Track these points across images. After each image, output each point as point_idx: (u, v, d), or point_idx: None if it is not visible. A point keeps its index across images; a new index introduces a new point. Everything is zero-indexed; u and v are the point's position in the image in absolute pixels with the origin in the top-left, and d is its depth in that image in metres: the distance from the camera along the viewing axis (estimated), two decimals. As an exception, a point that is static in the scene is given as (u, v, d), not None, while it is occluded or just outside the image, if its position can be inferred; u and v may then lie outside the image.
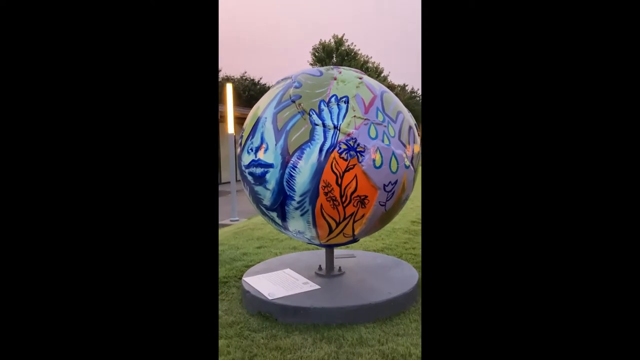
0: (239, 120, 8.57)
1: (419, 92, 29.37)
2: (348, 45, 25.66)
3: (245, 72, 29.15)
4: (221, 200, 10.15)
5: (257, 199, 2.19)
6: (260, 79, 25.40)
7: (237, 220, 6.73)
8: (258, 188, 2.13)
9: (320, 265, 2.55)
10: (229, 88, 7.37)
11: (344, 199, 2.00)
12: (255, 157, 2.10)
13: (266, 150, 2.05)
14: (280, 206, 2.10)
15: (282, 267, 2.65)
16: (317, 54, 25.46)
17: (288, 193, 2.03)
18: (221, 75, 24.55)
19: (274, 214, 2.17)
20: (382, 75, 26.43)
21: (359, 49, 26.26)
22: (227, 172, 13.64)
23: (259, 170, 2.09)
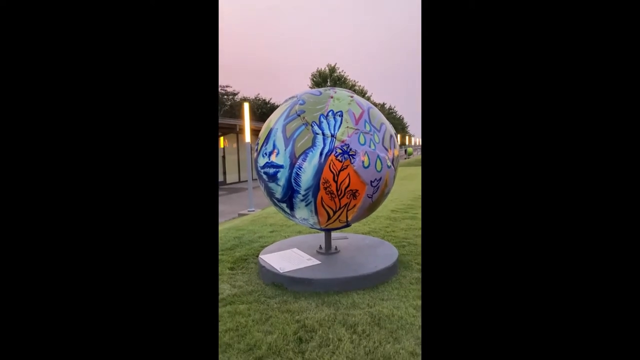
0: (254, 132, 8.58)
1: (395, 108, 29.35)
2: (339, 72, 25.60)
3: (259, 94, 29.08)
4: (240, 195, 10.13)
5: (270, 193, 2.17)
6: (270, 99, 25.31)
7: (253, 210, 6.72)
8: (271, 184, 2.11)
9: (320, 245, 2.53)
10: (246, 106, 7.34)
11: (339, 192, 1.99)
12: (269, 159, 2.08)
13: (277, 154, 2.03)
14: (289, 199, 2.08)
15: (290, 247, 2.63)
16: (314, 79, 25.39)
17: (295, 188, 2.01)
18: (240, 96, 24.48)
19: (283, 205, 2.16)
20: (366, 95, 26.36)
21: (348, 75, 26.21)
22: (244, 172, 13.61)
23: (271, 170, 2.07)
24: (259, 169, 2.17)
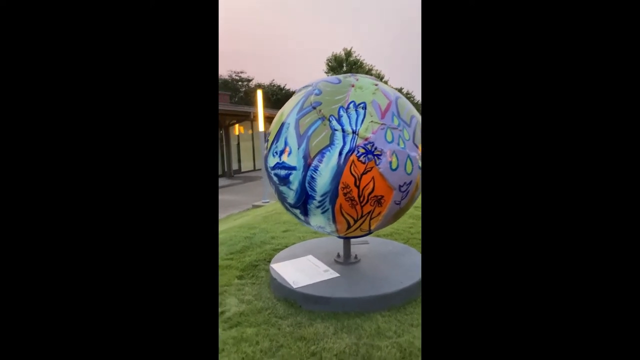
0: (268, 120, 8.32)
1: (414, 93, 28.46)
2: (355, 56, 24.79)
3: (274, 80, 28.68)
4: (255, 184, 9.96)
5: (282, 197, 1.90)
6: (285, 85, 24.86)
7: (268, 201, 6.50)
8: (283, 188, 1.83)
9: (338, 253, 2.26)
10: (259, 94, 7.06)
11: (361, 199, 1.69)
12: (280, 160, 1.79)
13: (289, 153, 1.74)
14: (302, 204, 1.80)
15: (305, 253, 2.36)
16: (330, 64, 24.67)
17: (310, 193, 1.73)
18: (254, 82, 24.14)
19: (297, 211, 1.88)
20: (384, 80, 25.53)
21: (364, 59, 25.36)
22: (259, 160, 13.43)
23: (283, 172, 1.78)
24: (269, 169, 1.89)
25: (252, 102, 13.61)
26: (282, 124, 1.82)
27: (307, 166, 1.68)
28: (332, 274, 2.01)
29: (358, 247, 2.39)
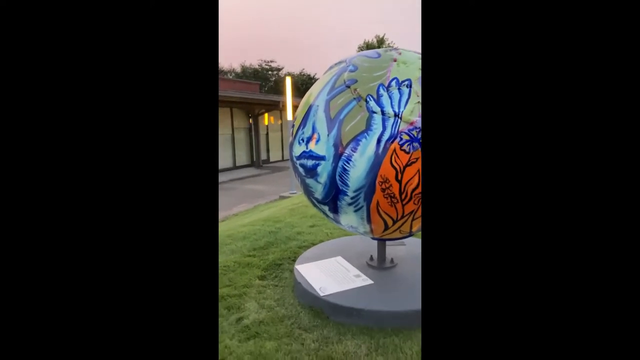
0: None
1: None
2: (388, 44, 23.98)
3: (304, 69, 28.42)
4: (284, 175, 9.84)
5: (308, 191, 1.65)
6: (315, 74, 24.52)
7: (295, 192, 6.32)
8: (309, 181, 1.58)
9: (371, 256, 1.99)
10: (288, 81, 6.84)
11: (403, 196, 1.41)
12: (307, 148, 1.54)
13: (318, 141, 1.49)
14: (332, 200, 1.55)
15: (333, 253, 2.12)
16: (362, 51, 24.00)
17: (341, 188, 1.47)
18: (284, 72, 23.99)
19: (325, 207, 1.63)
20: (417, 68, 24.46)
21: (398, 46, 24.45)
22: (287, 151, 13.31)
23: (310, 163, 1.53)
24: (294, 159, 1.65)
25: (281, 91, 13.50)
26: (310, 107, 1.56)
27: (338, 156, 1.42)
28: (365, 280, 1.76)
29: (394, 248, 2.11)
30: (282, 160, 13.38)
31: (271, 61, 25.50)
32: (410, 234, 1.67)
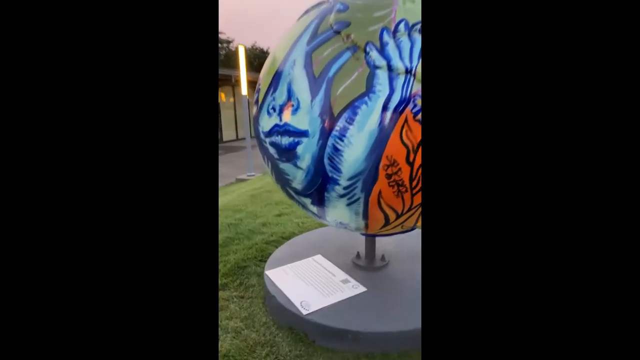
0: (252, 84, 7.45)
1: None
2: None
3: (256, 42, 26.97)
4: (239, 155, 9.18)
5: (282, 180, 1.24)
6: (269, 48, 23.33)
7: (253, 175, 5.83)
8: (284, 165, 1.17)
9: (358, 252, 1.65)
10: (241, 51, 6.16)
11: (414, 183, 1.06)
12: (280, 120, 1.12)
13: (296, 110, 1.07)
14: (317, 191, 1.15)
15: (310, 251, 1.75)
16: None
17: (330, 175, 1.08)
18: (235, 44, 22.51)
19: (306, 200, 1.24)
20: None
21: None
22: (242, 129, 12.54)
23: (285, 141, 1.12)
24: (262, 136, 1.22)
25: (233, 66, 12.54)
26: (282, 64, 1.13)
27: (326, 130, 1.02)
28: (355, 286, 1.41)
29: (380, 240, 1.79)
30: (237, 139, 12.61)
31: (220, 33, 23.78)
32: (412, 229, 1.34)
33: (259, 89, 1.25)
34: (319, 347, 1.21)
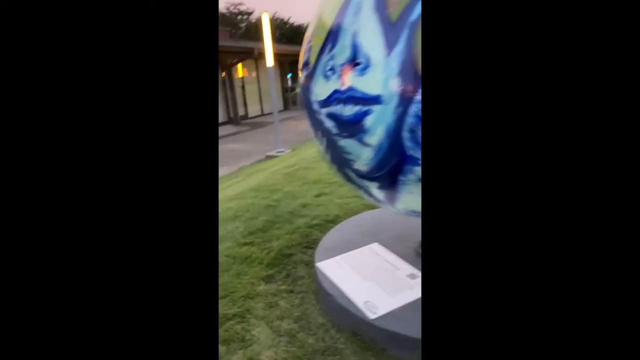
0: (276, 57, 7.11)
1: None
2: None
3: (276, 12, 26.15)
4: (265, 131, 9.02)
5: (341, 160, 1.02)
6: (290, 17, 22.53)
7: (283, 151, 5.64)
8: (346, 142, 0.94)
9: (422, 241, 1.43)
10: (265, 18, 5.83)
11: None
12: (341, 84, 0.88)
13: (365, 69, 0.83)
14: (389, 174, 0.93)
15: (364, 238, 1.54)
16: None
17: (410, 153, 0.84)
18: (255, 15, 21.88)
19: (371, 185, 1.01)
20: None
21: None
22: (267, 103, 12.29)
23: (350, 110, 0.88)
24: (315, 106, 0.99)
25: (255, 38, 12.15)
26: (335, 24, 0.88)
27: (408, 95, 0.78)
28: (426, 282, 1.20)
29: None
30: (262, 114, 12.42)
31: (239, 4, 23.13)
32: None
33: (310, 47, 1.00)
34: (389, 357, 1.02)
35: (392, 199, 1.02)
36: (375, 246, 1.46)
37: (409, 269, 1.28)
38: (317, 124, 1.04)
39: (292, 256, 1.64)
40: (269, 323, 1.21)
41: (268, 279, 1.47)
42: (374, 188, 1.01)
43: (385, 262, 1.34)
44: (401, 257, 1.36)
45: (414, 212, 1.04)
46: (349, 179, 1.08)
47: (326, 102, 0.94)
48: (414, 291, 1.15)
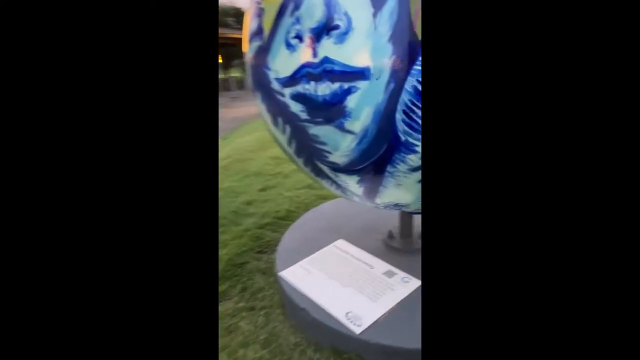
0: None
1: None
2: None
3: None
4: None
5: (312, 151, 0.83)
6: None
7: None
8: (319, 130, 0.76)
9: (390, 231, 1.32)
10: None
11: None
12: (314, 55, 0.69)
13: (344, 34, 0.65)
14: (374, 166, 0.77)
15: (325, 235, 1.39)
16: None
17: (404, 138, 0.70)
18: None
19: (350, 179, 0.85)
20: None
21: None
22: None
23: (326, 89, 0.70)
24: (276, 85, 0.79)
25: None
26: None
27: (400, 68, 0.63)
28: (406, 280, 1.10)
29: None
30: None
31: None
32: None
33: (261, 10, 0.79)
34: (383, 374, 0.90)
35: (373, 194, 0.87)
36: (341, 243, 1.32)
37: (383, 265, 1.17)
38: (277, 109, 0.83)
39: (245, 265, 1.42)
40: (231, 355, 1.00)
41: (221, 296, 1.24)
42: (352, 183, 0.85)
43: (356, 261, 1.20)
44: (371, 253, 1.24)
45: (398, 205, 0.91)
46: (319, 174, 0.91)
47: (291, 80, 0.74)
48: (395, 291, 1.04)
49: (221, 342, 1.04)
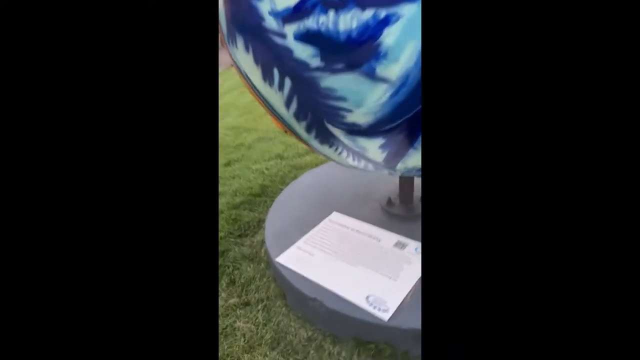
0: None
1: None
2: None
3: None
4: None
5: (324, 110, 0.65)
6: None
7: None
8: (337, 80, 0.58)
9: (389, 198, 1.20)
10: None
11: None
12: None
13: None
14: (409, 123, 0.61)
15: (314, 210, 1.23)
16: None
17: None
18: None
19: (371, 144, 0.68)
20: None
21: None
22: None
23: (351, 22, 0.51)
24: (272, 24, 0.58)
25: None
26: None
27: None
28: (419, 249, 0.99)
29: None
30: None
31: None
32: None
33: None
34: (412, 358, 0.80)
35: (398, 158, 0.72)
36: (336, 216, 1.18)
37: (391, 236, 1.05)
38: (271, 57, 0.62)
39: (227, 253, 1.23)
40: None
41: (205, 295, 1.06)
42: (373, 148, 0.69)
43: (359, 235, 1.07)
44: (372, 223, 1.12)
45: (419, 170, 0.77)
46: (325, 140, 0.73)
47: (296, 13, 0.54)
48: (413, 266, 0.93)
49: (220, 350, 0.87)
